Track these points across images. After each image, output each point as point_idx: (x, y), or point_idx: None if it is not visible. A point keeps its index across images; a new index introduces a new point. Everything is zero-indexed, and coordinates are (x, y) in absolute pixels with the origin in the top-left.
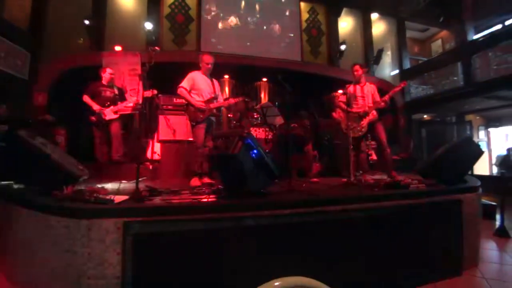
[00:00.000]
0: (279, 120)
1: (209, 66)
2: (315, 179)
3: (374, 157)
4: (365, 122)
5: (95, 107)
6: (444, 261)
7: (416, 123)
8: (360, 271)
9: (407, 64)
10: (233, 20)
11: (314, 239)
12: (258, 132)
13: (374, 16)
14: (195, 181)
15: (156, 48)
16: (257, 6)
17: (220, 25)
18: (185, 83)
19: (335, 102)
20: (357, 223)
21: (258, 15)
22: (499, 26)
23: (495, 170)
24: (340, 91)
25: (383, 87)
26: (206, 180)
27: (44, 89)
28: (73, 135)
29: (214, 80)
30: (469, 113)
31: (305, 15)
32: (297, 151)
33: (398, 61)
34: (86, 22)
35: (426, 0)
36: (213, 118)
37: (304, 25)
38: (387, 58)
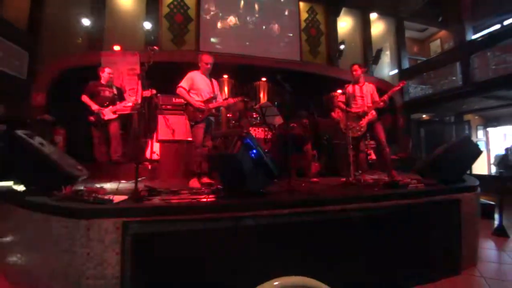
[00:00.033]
0: (278, 120)
1: (208, 66)
2: (314, 179)
3: (373, 156)
4: (364, 122)
5: (94, 107)
6: (443, 260)
7: (415, 123)
8: (360, 270)
9: (406, 64)
10: (232, 20)
11: (313, 239)
12: (257, 132)
13: (373, 16)
14: (194, 181)
15: (155, 47)
16: (256, 6)
17: (219, 24)
18: (184, 83)
19: (334, 102)
20: (356, 222)
21: (257, 15)
22: (497, 26)
23: (493, 169)
24: (339, 91)
25: (382, 87)
26: (205, 180)
27: (42, 89)
28: (72, 135)
29: (213, 80)
30: (468, 112)
31: (304, 15)
32: (296, 151)
33: (397, 61)
34: (85, 21)
35: (425, 0)
36: (212, 118)
37: (303, 24)
38: (386, 58)
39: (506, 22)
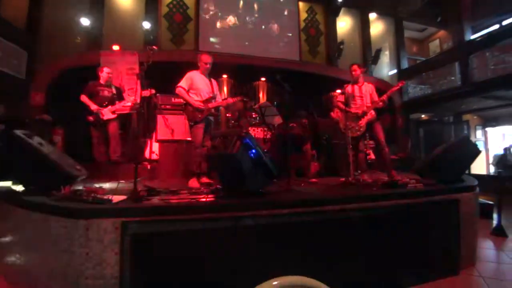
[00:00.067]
0: (277, 120)
1: (208, 65)
2: (313, 180)
3: (373, 156)
4: (363, 121)
5: (93, 106)
6: (441, 260)
7: (414, 123)
8: (359, 270)
9: (405, 64)
10: (231, 19)
11: (312, 238)
12: (257, 132)
13: (372, 16)
14: (193, 181)
15: (154, 47)
16: (255, 6)
17: (218, 24)
18: (183, 83)
19: (334, 102)
20: (356, 222)
21: (256, 15)
22: (496, 26)
23: (492, 169)
24: (338, 91)
25: (381, 87)
26: (205, 180)
27: (41, 89)
28: (70, 135)
29: (213, 80)
30: (467, 112)
31: (303, 15)
32: (296, 151)
33: (396, 61)
34: (84, 21)
35: (424, 0)
36: (211, 118)
37: (302, 24)
38: (385, 58)
39: (504, 22)
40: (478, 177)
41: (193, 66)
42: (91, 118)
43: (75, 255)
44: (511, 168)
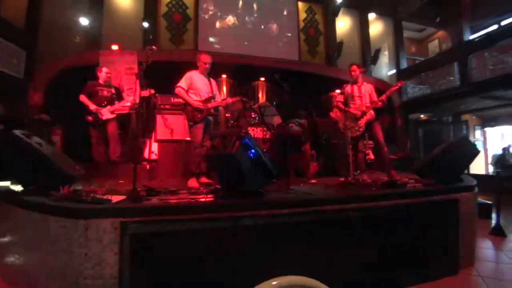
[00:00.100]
0: (277, 120)
1: (207, 65)
2: (313, 181)
3: (372, 156)
4: (362, 121)
5: (92, 106)
6: (440, 259)
7: (413, 123)
8: (358, 270)
9: (404, 64)
10: (230, 19)
11: (312, 238)
12: (256, 132)
13: (372, 16)
14: (192, 181)
15: (153, 47)
16: (254, 6)
17: (217, 24)
18: (182, 83)
19: (333, 102)
20: (355, 222)
21: (255, 15)
22: (495, 27)
23: (491, 169)
24: (338, 91)
25: (380, 87)
26: (204, 180)
27: (40, 88)
28: (69, 135)
29: (212, 80)
30: (466, 113)
31: (302, 15)
32: (295, 151)
33: (395, 61)
34: (83, 20)
35: (423, 0)
36: (210, 118)
37: (301, 24)
38: (384, 58)
39: (503, 23)
40: (477, 177)
41: (193, 66)
42: (90, 118)
43: (74, 255)
44: (509, 168)
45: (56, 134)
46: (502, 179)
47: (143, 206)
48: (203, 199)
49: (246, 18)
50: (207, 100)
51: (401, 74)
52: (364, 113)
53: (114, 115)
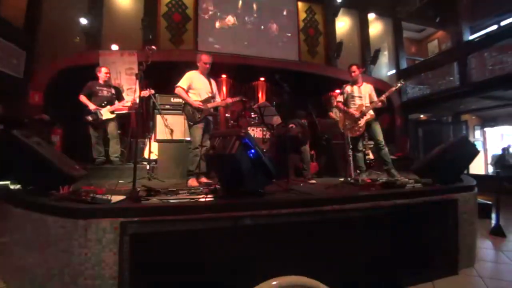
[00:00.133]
0: (276, 120)
1: (207, 65)
2: (313, 181)
3: (371, 156)
4: (362, 122)
5: (92, 106)
6: (440, 260)
7: (412, 123)
8: (358, 270)
9: (404, 64)
10: (230, 19)
11: (312, 238)
12: (256, 132)
13: (371, 16)
14: (192, 181)
15: (153, 47)
16: (254, 6)
17: (217, 24)
18: (182, 83)
19: (332, 102)
20: (355, 222)
21: (255, 15)
22: (494, 27)
23: (490, 169)
24: (338, 91)
25: (380, 87)
26: (204, 180)
27: (40, 88)
28: (69, 134)
29: (212, 80)
30: (465, 113)
31: (302, 15)
32: (295, 151)
33: (395, 61)
34: (83, 20)
35: (422, 0)
36: (210, 118)
37: (301, 24)
38: (384, 58)
39: (503, 23)
40: (476, 177)
41: (192, 66)
42: (89, 118)
43: (74, 255)
44: (509, 168)
45: (56, 134)
46: (501, 179)
47: (143, 206)
48: (203, 199)
49: (246, 18)
50: (207, 100)
51: (401, 74)
52: (364, 113)
53: (114, 115)
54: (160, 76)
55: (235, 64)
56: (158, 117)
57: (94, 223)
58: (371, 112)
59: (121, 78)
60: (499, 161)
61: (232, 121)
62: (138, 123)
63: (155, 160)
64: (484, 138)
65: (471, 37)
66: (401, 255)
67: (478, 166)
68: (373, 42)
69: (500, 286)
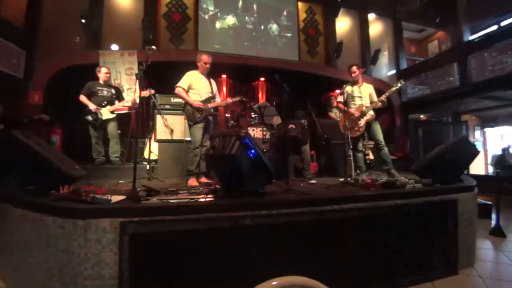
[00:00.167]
0: (276, 120)
1: (207, 65)
2: (313, 181)
3: (371, 156)
4: (362, 122)
5: (92, 106)
6: (440, 260)
7: (412, 123)
8: (358, 270)
9: (404, 65)
10: (230, 19)
11: (311, 238)
12: (256, 132)
13: (371, 16)
14: (192, 181)
15: (153, 47)
16: (254, 6)
17: (217, 24)
18: (182, 83)
19: (333, 103)
20: (355, 222)
21: (255, 15)
22: (494, 27)
23: (490, 169)
24: (337, 91)
25: (380, 87)
26: (204, 180)
27: (40, 88)
28: (69, 135)
29: (212, 80)
30: (465, 113)
31: (302, 15)
32: (295, 151)
33: (395, 61)
34: (83, 20)
35: (422, 0)
36: (210, 118)
37: (301, 25)
38: (384, 58)
39: (503, 23)
40: (476, 177)
41: (192, 65)
42: (89, 117)
43: (73, 255)
44: (509, 168)
45: (56, 134)
46: (501, 179)
47: (143, 206)
48: (203, 199)
49: (246, 18)
50: (207, 100)
51: (401, 75)
52: (364, 114)
53: (114, 115)
54: (160, 76)
55: (235, 64)
56: (158, 117)
57: (94, 223)
58: (371, 112)
59: (121, 78)
60: (499, 161)
61: (232, 121)
62: (138, 123)
63: (155, 160)
64: (484, 139)
65: (471, 38)
66: (401, 255)
67: (478, 167)
68: (373, 42)
69: (500, 286)
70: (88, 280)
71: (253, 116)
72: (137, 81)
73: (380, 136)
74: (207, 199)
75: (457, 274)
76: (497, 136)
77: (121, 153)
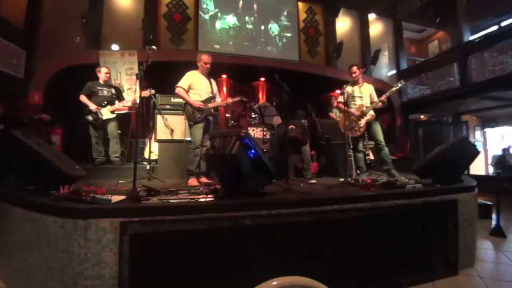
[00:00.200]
0: (276, 120)
1: (208, 65)
2: (313, 181)
3: (372, 157)
4: (363, 122)
5: (92, 106)
6: (440, 260)
7: (413, 123)
8: (358, 270)
9: (404, 65)
10: (230, 19)
11: (311, 238)
12: (256, 132)
13: (372, 16)
14: (192, 181)
15: (153, 47)
16: (255, 6)
17: (217, 24)
18: (182, 83)
19: (333, 103)
20: (355, 222)
21: (256, 15)
22: (495, 27)
23: (491, 170)
24: (338, 91)
25: (380, 87)
26: (204, 179)
27: (40, 88)
28: (69, 134)
29: (212, 80)
30: (465, 113)
31: (302, 15)
32: (295, 151)
33: (395, 61)
34: (83, 20)
35: (422, 0)
36: (210, 118)
37: (301, 25)
38: (384, 58)
39: (503, 23)
40: (477, 177)
41: (193, 65)
42: (90, 117)
43: (74, 255)
44: (509, 168)
45: (56, 134)
46: (502, 179)
47: (143, 206)
48: (203, 199)
49: (246, 18)
50: (208, 100)
51: (401, 75)
52: (364, 114)
53: (114, 115)
54: (160, 76)
55: (235, 64)
56: (158, 117)
57: (94, 223)
58: (372, 112)
59: (121, 78)
60: (500, 161)
61: (232, 121)
62: (138, 123)
63: (155, 160)
64: (485, 139)
65: (471, 38)
66: (401, 255)
67: (479, 167)
68: (373, 42)
69: (500, 287)
70: (88, 280)
71: (253, 116)
72: (138, 81)
73: (380, 136)
74: (207, 199)
75: (457, 274)
76: (498, 137)
77: (121, 153)
